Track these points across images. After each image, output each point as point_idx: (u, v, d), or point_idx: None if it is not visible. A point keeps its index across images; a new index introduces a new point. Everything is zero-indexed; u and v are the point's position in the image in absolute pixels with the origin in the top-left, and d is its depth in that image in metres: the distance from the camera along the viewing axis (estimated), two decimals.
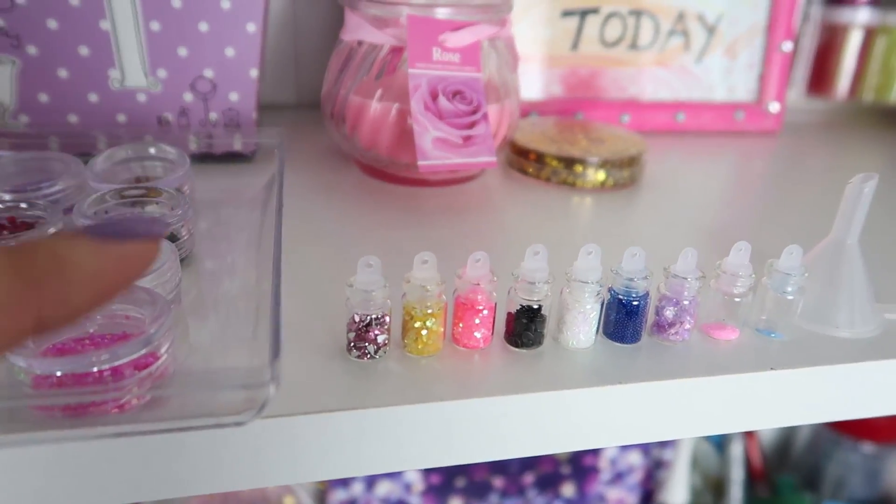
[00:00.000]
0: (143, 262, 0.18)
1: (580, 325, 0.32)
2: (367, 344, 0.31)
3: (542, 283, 0.31)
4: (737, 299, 0.34)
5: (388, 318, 0.31)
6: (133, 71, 0.47)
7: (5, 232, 0.35)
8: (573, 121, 0.62)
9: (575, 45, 0.66)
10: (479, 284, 0.31)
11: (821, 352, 0.34)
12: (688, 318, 0.33)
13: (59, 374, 0.25)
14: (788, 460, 1.02)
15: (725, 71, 0.70)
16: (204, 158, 0.48)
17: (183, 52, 0.48)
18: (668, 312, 0.33)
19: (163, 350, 0.27)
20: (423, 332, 0.31)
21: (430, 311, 0.31)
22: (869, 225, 0.37)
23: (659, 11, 0.66)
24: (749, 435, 0.98)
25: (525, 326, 0.32)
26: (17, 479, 0.26)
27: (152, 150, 0.42)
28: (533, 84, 0.66)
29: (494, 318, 0.32)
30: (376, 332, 0.31)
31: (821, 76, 0.76)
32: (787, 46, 0.69)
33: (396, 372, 0.30)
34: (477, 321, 0.32)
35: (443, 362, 0.31)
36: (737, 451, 0.95)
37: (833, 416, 0.35)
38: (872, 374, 0.34)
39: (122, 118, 0.49)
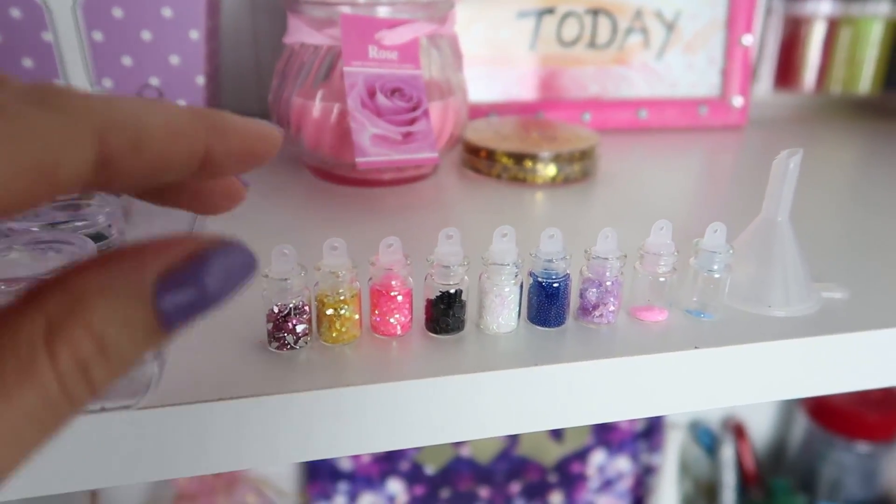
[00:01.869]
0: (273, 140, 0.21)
1: (499, 309, 0.32)
2: (285, 334, 0.30)
3: (457, 266, 0.31)
4: (662, 279, 0.34)
5: (307, 308, 0.31)
6: (78, 81, 0.48)
7: None
8: (531, 119, 0.62)
9: (533, 46, 0.66)
10: (391, 269, 0.31)
11: (752, 330, 0.34)
12: (611, 299, 0.33)
13: None
14: (782, 463, 1.00)
15: (687, 67, 0.70)
16: None
17: (127, 61, 0.48)
18: (591, 294, 0.33)
19: None
20: (336, 319, 0.31)
21: (342, 297, 0.30)
22: (839, 214, 0.36)
23: (616, 10, 0.67)
24: (741, 438, 0.97)
25: (443, 312, 0.32)
26: None
27: None
28: (493, 86, 0.66)
29: (412, 304, 0.32)
30: (294, 321, 0.30)
31: (787, 70, 0.76)
32: (748, 40, 0.69)
33: (311, 360, 0.30)
34: (392, 307, 0.31)
35: (358, 350, 0.31)
36: (728, 454, 0.94)
37: (772, 396, 0.34)
38: (807, 350, 0.34)
39: None
